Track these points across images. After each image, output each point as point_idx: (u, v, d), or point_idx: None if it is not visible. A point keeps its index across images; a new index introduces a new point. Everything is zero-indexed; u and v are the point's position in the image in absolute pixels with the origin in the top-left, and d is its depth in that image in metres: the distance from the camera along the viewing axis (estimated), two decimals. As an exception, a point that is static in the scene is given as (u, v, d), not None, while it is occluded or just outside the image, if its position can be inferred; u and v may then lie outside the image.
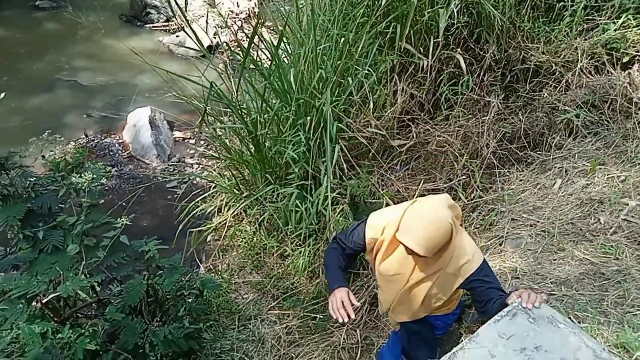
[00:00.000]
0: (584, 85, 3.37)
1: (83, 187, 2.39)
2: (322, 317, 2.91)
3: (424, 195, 3.22)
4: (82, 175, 2.41)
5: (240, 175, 3.49)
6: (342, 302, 1.89)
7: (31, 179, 2.42)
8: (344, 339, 2.79)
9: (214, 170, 3.97)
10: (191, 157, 4.76)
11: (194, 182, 4.24)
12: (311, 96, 2.88)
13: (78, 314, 2.34)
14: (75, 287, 1.93)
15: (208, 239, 3.57)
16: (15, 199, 2.35)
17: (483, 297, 1.84)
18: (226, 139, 3.58)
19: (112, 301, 2.38)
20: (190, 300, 2.57)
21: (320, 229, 3.00)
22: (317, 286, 3.01)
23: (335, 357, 2.75)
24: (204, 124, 3.18)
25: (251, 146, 3.24)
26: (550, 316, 1.51)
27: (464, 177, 3.24)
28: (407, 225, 1.73)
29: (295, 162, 2.97)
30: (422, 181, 3.23)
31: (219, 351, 2.76)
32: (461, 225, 2.01)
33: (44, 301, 1.95)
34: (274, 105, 3.06)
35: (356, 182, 2.91)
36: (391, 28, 3.22)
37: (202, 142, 4.85)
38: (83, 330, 2.02)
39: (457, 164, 3.23)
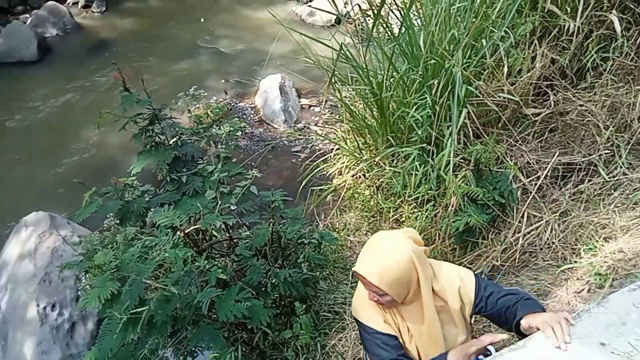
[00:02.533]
0: None
1: (221, 140, 2.65)
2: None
3: (557, 168, 2.99)
4: (222, 127, 2.67)
5: (362, 139, 3.54)
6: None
7: (178, 129, 2.74)
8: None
9: (337, 134, 4.08)
10: (316, 124, 4.93)
11: (317, 147, 4.41)
12: (441, 57, 2.80)
13: (213, 248, 2.61)
14: (212, 220, 2.16)
15: (328, 199, 3.71)
16: (165, 147, 2.69)
17: (500, 308, 1.61)
18: (351, 104, 3.65)
19: (241, 242, 2.62)
20: (309, 249, 2.72)
21: (439, 195, 2.94)
22: (430, 253, 2.97)
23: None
24: (331, 87, 3.27)
25: (375, 110, 3.26)
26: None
27: (606, 152, 2.92)
28: (362, 256, 1.62)
29: (418, 125, 2.93)
30: (557, 154, 2.98)
31: (332, 302, 2.88)
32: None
33: (186, 231, 2.20)
34: (401, 68, 3.04)
35: (482, 148, 2.79)
36: (534, -13, 2.99)
37: (326, 109, 5.00)
38: (216, 262, 2.26)
39: (600, 138, 2.92)
